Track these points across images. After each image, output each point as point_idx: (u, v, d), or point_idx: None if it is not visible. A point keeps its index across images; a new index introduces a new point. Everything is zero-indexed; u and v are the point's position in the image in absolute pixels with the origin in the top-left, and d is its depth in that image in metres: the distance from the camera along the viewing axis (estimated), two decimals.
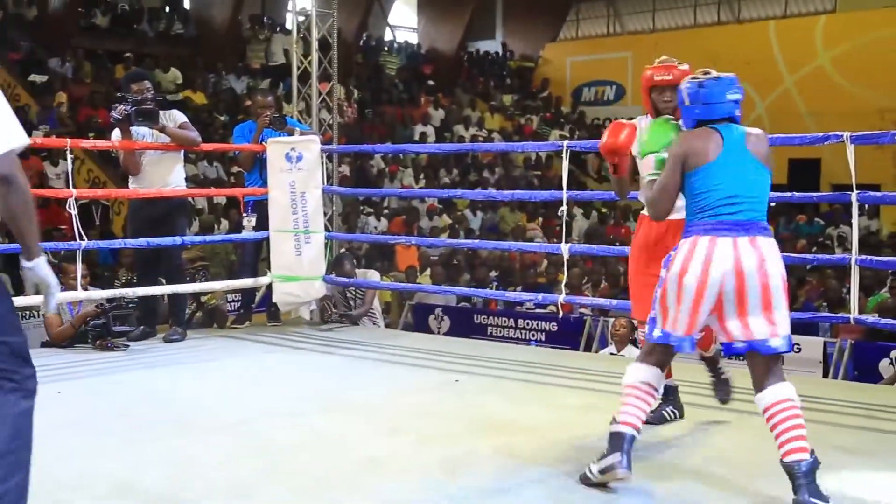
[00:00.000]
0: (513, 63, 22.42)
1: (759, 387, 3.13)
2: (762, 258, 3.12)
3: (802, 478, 2.95)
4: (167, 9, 17.95)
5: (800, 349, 6.51)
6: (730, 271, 3.10)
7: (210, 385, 5.05)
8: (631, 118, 3.97)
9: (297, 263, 6.72)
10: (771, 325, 3.11)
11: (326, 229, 7.11)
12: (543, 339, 8.29)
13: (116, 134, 6.20)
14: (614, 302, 6.47)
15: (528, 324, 8.29)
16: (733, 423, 4.10)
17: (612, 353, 6.84)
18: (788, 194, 5.84)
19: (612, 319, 7.37)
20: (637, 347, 7.00)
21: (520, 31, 22.68)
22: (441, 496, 3.17)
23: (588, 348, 7.91)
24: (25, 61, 14.28)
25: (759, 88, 18.00)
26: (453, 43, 20.89)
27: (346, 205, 11.48)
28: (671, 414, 4.13)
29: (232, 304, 7.83)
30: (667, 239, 3.82)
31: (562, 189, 5.60)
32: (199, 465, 3.52)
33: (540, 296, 6.63)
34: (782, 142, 5.53)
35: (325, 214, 7.10)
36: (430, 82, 19.65)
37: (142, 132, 6.16)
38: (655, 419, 4.05)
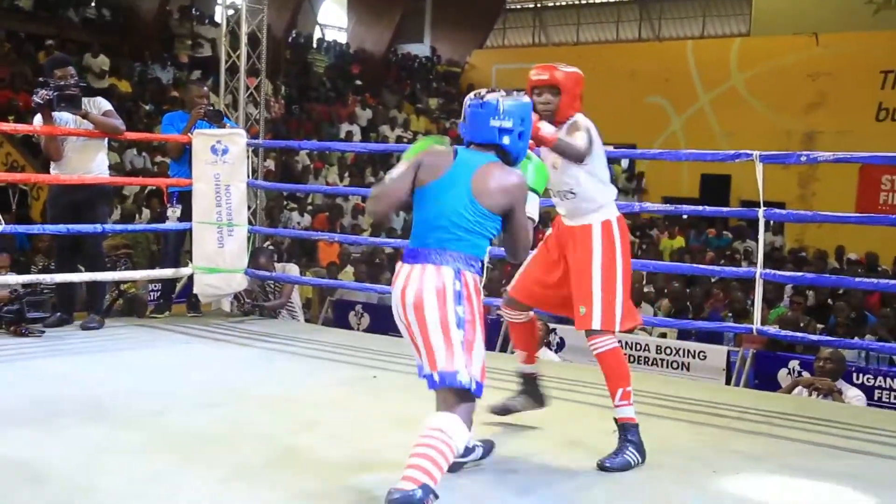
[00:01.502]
0: (440, 67, 22.51)
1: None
2: (420, 289, 2.98)
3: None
4: None
5: (705, 357, 6.69)
6: (398, 300, 3.04)
7: (127, 374, 4.96)
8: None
9: (220, 255, 6.65)
10: (430, 356, 2.97)
11: (250, 223, 7.06)
12: None
13: (38, 119, 6.04)
14: None
15: None
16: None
17: None
18: (700, 208, 6.03)
19: None
20: (550, 350, 7.11)
21: (448, 37, 22.77)
22: (353, 490, 3.19)
23: (504, 349, 7.95)
24: None
25: (675, 105, 18.43)
26: (382, 44, 20.86)
27: (270, 199, 11.39)
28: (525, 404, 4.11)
29: (152, 293, 7.69)
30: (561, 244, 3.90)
31: None
32: (116, 454, 3.47)
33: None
34: (696, 157, 5.73)
35: (248, 208, 7.04)
36: (358, 82, 19.59)
37: (64, 118, 6.02)
38: (501, 410, 4.08)
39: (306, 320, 8.07)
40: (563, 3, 23.43)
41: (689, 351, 6.80)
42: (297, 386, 4.87)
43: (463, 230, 3.04)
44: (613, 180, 3.95)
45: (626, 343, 6.84)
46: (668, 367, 6.81)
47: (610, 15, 22.61)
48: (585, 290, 3.71)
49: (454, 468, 3.24)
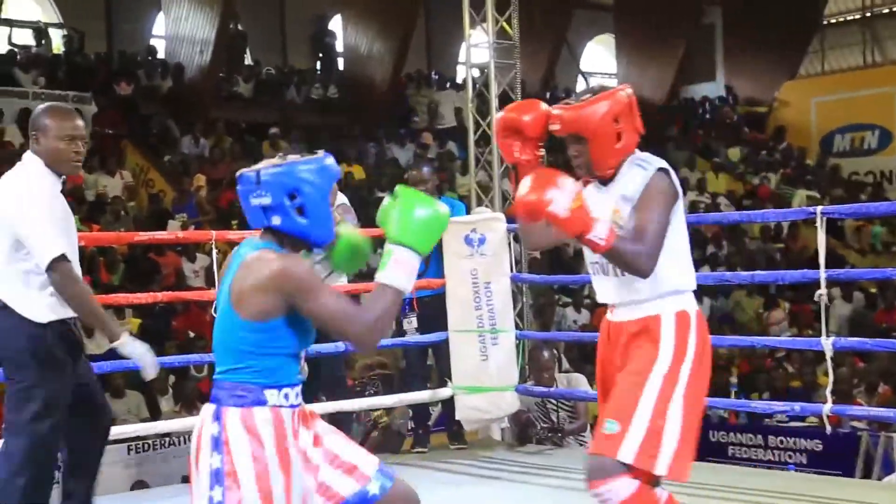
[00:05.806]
0: (740, 109, 22.16)
1: None
2: (198, 437, 2.87)
3: None
4: (318, 70, 18.77)
5: None
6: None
7: None
8: None
9: (484, 371, 6.70)
10: None
11: (517, 327, 7.07)
12: (805, 461, 8.07)
13: None
14: None
15: (782, 442, 8.04)
16: None
17: None
18: None
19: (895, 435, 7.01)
20: None
21: (748, 70, 22.42)
22: None
23: (867, 474, 7.57)
24: (159, 140, 15.18)
25: None
26: (663, 88, 20.85)
27: (539, 295, 11.46)
28: None
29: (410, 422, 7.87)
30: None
31: (817, 267, 5.43)
32: None
33: (797, 405, 6.35)
34: None
35: (514, 308, 7.06)
36: None
37: None
38: None
39: None
40: None
41: None
42: None
43: (230, 354, 2.89)
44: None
45: None
46: None
47: None
48: (629, 402, 3.14)
49: None
